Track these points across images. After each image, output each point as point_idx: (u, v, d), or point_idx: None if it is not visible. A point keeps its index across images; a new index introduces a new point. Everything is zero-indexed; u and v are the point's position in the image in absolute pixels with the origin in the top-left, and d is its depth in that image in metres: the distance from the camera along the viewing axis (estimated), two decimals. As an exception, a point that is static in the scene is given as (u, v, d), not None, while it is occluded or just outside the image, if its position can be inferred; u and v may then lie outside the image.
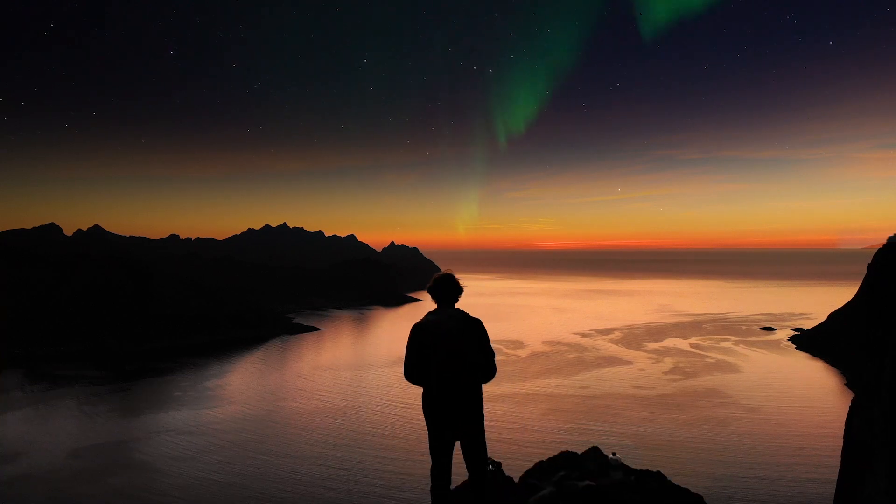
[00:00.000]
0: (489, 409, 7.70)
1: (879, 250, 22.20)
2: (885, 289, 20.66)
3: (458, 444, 5.69)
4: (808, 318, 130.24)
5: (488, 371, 5.52)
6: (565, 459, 9.84)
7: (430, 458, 5.85)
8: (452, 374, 5.27)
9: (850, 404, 22.25)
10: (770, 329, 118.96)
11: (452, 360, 5.26)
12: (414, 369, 5.51)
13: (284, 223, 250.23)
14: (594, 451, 10.27)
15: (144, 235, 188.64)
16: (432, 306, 5.90)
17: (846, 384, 70.22)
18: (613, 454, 9.19)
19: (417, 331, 5.50)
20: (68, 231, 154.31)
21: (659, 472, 9.25)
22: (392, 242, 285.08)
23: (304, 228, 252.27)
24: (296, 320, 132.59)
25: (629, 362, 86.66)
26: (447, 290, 5.70)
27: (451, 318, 5.43)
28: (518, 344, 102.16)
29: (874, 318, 21.22)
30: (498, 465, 8.46)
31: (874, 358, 20.61)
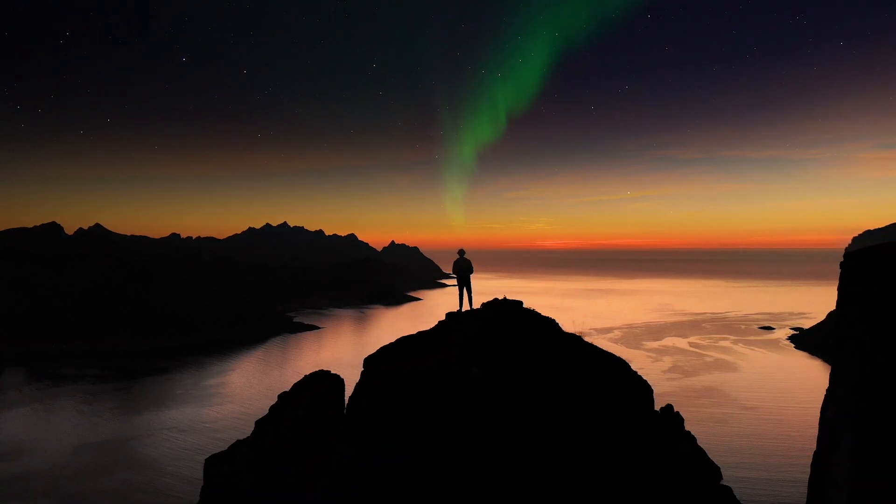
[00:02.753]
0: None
1: (847, 249, 23.85)
2: (851, 286, 21.95)
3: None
4: (807, 318, 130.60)
5: (471, 272, 19.98)
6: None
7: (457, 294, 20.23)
8: (462, 271, 19.80)
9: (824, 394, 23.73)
10: (769, 328, 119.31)
11: (463, 269, 19.71)
12: (455, 272, 20.12)
13: (285, 222, 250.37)
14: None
15: (145, 234, 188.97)
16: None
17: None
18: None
19: (455, 261, 20.29)
20: (69, 230, 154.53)
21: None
22: (392, 242, 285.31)
23: (305, 228, 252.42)
24: (296, 319, 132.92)
25: (629, 361, 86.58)
26: (461, 252, 20.32)
27: (464, 259, 20.01)
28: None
29: (842, 314, 22.66)
30: None
31: (841, 350, 22.07)
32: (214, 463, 16.42)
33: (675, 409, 15.26)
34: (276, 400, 20.11)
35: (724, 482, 14.65)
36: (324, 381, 16.36)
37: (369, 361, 16.51)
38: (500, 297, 17.30)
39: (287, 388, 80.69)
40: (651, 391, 15.46)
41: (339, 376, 17.76)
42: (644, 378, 15.97)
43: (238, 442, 16.77)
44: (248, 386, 74.12)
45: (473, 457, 12.16)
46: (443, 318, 18.46)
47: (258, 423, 17.38)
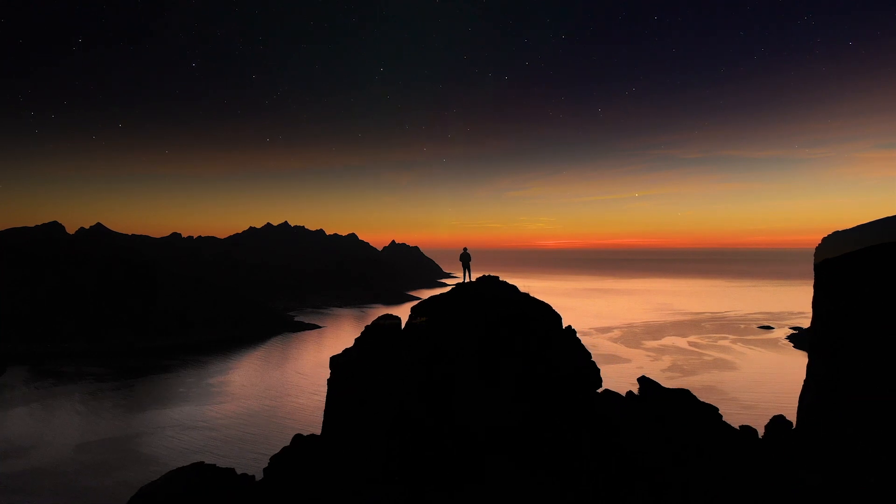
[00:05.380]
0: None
1: (817, 249, 26.74)
2: (821, 291, 23.37)
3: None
4: (806, 317, 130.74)
5: (471, 260, 32.79)
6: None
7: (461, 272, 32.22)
8: (465, 260, 32.37)
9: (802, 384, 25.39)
10: (768, 328, 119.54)
11: (466, 259, 32.49)
12: (461, 260, 32.62)
13: (286, 222, 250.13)
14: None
15: (146, 234, 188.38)
16: None
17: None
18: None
19: (461, 254, 33.01)
20: (71, 229, 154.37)
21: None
22: (393, 242, 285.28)
23: (306, 227, 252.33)
24: (297, 318, 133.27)
25: (628, 360, 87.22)
26: (465, 248, 33.07)
27: (466, 253, 32.77)
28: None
29: (814, 315, 24.07)
30: None
31: (813, 348, 23.59)
32: (337, 357, 25.71)
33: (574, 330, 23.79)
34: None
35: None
36: (390, 319, 25.80)
37: (414, 309, 25.31)
38: (487, 275, 26.50)
39: (288, 387, 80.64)
40: (560, 318, 23.61)
41: (398, 317, 26.55)
42: (559, 313, 24.11)
43: (347, 349, 26.14)
44: (248, 385, 74.42)
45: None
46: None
47: (357, 339, 26.00)
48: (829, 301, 22.78)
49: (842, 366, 21.40)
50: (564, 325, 24.15)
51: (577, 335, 23.94)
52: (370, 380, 23.50)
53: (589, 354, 23.30)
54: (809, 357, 25.06)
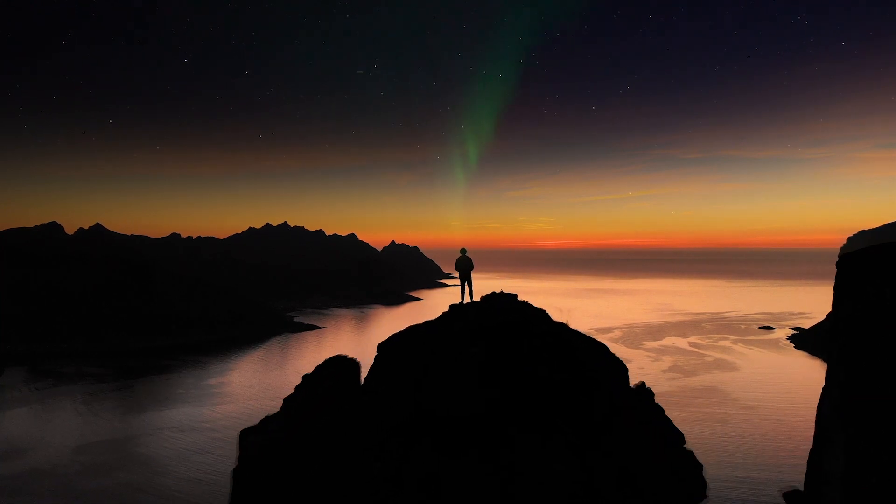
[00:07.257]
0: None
1: (842, 248, 25.22)
2: (845, 288, 22.64)
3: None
4: (807, 318, 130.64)
5: (472, 268, 22.22)
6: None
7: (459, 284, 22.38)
8: (464, 268, 21.85)
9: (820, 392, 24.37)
10: (769, 328, 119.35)
11: (465, 266, 21.82)
12: (457, 268, 22.05)
13: (285, 222, 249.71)
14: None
15: (145, 234, 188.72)
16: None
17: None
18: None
19: (457, 259, 22.09)
20: (70, 230, 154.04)
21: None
22: (393, 241, 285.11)
23: (305, 228, 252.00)
24: (297, 319, 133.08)
25: (628, 361, 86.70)
26: (463, 251, 22.06)
27: (465, 257, 21.99)
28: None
29: (836, 315, 23.40)
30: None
31: (833, 349, 22.91)
32: (248, 434, 18.99)
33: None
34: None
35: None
36: (343, 364, 19.01)
37: (382, 347, 19.32)
38: (498, 291, 20.08)
39: (288, 387, 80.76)
40: (626, 369, 18.06)
41: (356, 360, 19.67)
42: (623, 360, 18.75)
43: (267, 417, 19.60)
44: (248, 386, 74.28)
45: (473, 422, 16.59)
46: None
47: (286, 399, 19.82)
48: (849, 299, 22.14)
49: (850, 366, 21.02)
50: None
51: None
52: (318, 439, 18.13)
53: (605, 354, 19.87)
54: (830, 358, 24.22)
